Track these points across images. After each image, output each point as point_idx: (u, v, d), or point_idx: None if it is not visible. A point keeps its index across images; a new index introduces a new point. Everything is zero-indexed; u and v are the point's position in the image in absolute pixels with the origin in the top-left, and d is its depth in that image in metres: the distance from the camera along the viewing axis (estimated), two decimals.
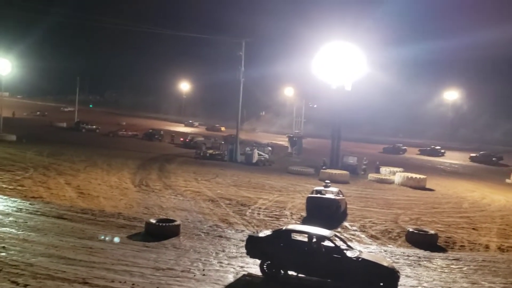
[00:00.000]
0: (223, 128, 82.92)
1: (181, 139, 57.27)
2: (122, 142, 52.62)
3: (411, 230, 18.15)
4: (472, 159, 58.53)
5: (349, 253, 12.47)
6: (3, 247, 13.33)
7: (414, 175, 33.95)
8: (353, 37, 39.75)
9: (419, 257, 15.77)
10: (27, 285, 10.82)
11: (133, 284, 11.43)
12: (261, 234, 13.69)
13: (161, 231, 15.93)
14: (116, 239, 15.09)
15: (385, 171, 38.24)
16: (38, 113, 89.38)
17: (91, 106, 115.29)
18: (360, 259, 12.25)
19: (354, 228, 19.58)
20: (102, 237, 15.17)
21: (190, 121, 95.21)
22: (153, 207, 20.88)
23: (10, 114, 71.15)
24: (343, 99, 39.82)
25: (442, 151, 64.15)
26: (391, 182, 34.25)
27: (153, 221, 16.47)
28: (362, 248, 14.90)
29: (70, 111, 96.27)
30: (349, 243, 14.02)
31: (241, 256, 14.22)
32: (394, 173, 36.14)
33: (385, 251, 16.44)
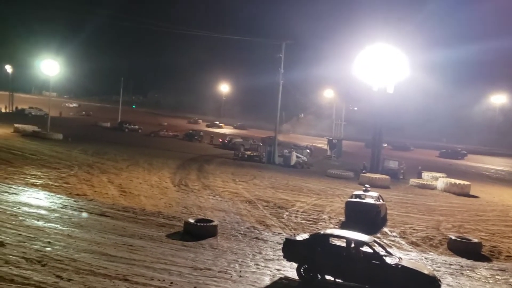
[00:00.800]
0: (222, 125, 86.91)
1: (220, 140, 57.87)
2: (163, 142, 53.64)
3: (453, 237, 17.57)
4: None
5: (388, 260, 12.21)
6: (49, 242, 13.86)
7: (457, 181, 32.86)
8: (396, 38, 38.96)
9: (462, 266, 15.25)
10: (71, 279, 11.18)
11: (171, 283, 11.61)
12: (299, 238, 13.62)
13: (199, 231, 16.14)
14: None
15: (427, 176, 37.22)
16: (83, 113, 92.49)
17: (134, 106, 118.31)
18: (399, 266, 11.97)
19: (394, 234, 19.16)
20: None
21: (196, 119, 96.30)
22: (192, 206, 21.16)
23: (57, 114, 73.92)
24: (384, 102, 39.08)
25: (464, 152, 61.82)
26: (433, 188, 33.28)
27: (191, 220, 16.70)
28: (402, 255, 14.55)
29: (74, 107, 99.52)
30: (388, 249, 13.73)
31: (278, 259, 14.19)
32: (436, 179, 35.11)
33: (425, 258, 15.99)
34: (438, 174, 37.02)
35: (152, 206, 20.49)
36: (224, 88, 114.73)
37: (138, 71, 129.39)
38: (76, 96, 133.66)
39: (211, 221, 17.13)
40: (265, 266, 13.66)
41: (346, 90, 60.10)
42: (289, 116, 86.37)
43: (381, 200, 21.67)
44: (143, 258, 13.26)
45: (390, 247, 16.47)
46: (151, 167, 31.70)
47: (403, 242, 18.01)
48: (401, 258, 12.82)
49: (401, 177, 37.47)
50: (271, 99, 47.59)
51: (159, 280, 11.73)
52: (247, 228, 18.12)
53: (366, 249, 12.52)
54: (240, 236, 16.81)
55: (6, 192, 19.97)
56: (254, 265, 13.71)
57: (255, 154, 44.66)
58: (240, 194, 25.08)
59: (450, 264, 15.39)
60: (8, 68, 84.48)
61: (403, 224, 20.92)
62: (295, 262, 13.02)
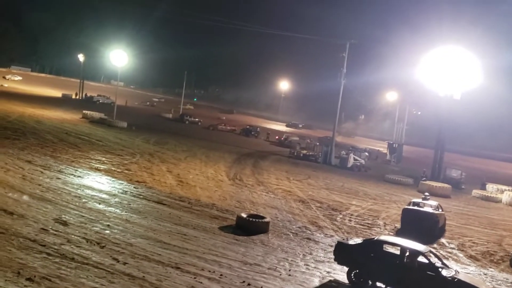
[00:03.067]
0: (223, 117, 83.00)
1: (276, 137, 57.94)
2: (221, 136, 54.50)
3: None
4: None
5: (444, 272, 11.71)
6: (108, 225, 14.51)
7: None
8: (466, 41, 37.13)
9: None
10: (126, 263, 11.64)
11: (221, 275, 11.79)
12: (351, 242, 13.38)
13: (251, 226, 16.26)
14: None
15: (491, 188, 35.33)
16: (148, 103, 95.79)
17: (195, 99, 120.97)
18: (456, 280, 11.45)
19: (452, 246, 18.34)
20: None
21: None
22: (245, 201, 21.36)
23: (123, 102, 77.02)
24: (450, 108, 37.47)
25: None
26: (497, 201, 31.54)
27: (244, 215, 16.86)
28: (459, 268, 13.91)
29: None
30: (445, 261, 13.17)
31: (328, 261, 14.02)
32: (502, 191, 33.24)
33: (485, 274, 15.18)
34: (504, 187, 35.03)
35: (207, 197, 20.89)
36: (284, 85, 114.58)
37: (201, 65, 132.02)
38: (142, 87, 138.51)
39: (264, 217, 17.21)
40: (315, 267, 13.55)
41: (410, 94, 58.27)
42: (348, 117, 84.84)
43: (440, 210, 20.81)
44: (195, 248, 13.55)
45: (447, 259, 15.79)
46: (208, 160, 32.31)
47: (461, 255, 17.21)
48: (458, 271, 12.27)
49: (463, 187, 35.84)
50: (331, 98, 46.99)
51: (209, 271, 11.94)
52: (299, 227, 18.04)
53: (421, 259, 12.09)
54: (291, 235, 16.77)
55: (72, 174, 21.10)
56: (304, 265, 13.63)
57: (311, 153, 44.36)
58: (294, 193, 25.00)
59: None
60: (80, 57, 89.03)
61: (462, 236, 20.00)
62: (346, 266, 12.81)
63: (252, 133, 61.05)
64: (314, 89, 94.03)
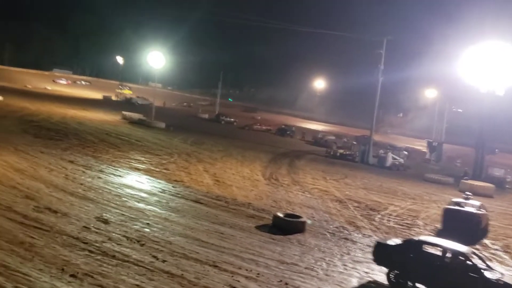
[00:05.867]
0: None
1: (312, 137, 57.58)
2: (256, 135, 54.63)
3: None
4: None
5: (488, 274, 11.33)
6: (148, 223, 14.82)
7: None
8: (510, 35, 35.72)
9: None
10: (165, 261, 11.86)
11: (258, 274, 11.83)
12: (390, 242, 13.13)
13: (288, 226, 16.23)
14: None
15: None
16: (185, 104, 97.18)
17: (230, 100, 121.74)
18: (501, 283, 11.05)
19: (496, 247, 17.70)
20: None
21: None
22: (281, 201, 21.33)
23: (161, 104, 78.43)
24: (493, 105, 36.17)
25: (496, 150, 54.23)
26: None
27: (280, 215, 16.85)
28: (504, 270, 13.41)
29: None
30: (488, 263, 12.73)
31: (366, 262, 13.81)
32: None
33: None
34: None
35: (243, 197, 20.99)
36: (319, 84, 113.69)
37: (237, 65, 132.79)
38: (179, 88, 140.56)
39: (300, 217, 17.15)
40: (353, 268, 13.38)
41: (450, 91, 56.62)
42: (386, 115, 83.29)
43: (482, 210, 20.13)
44: (232, 247, 13.65)
45: (490, 260, 15.24)
46: (243, 159, 32.46)
47: (506, 257, 16.58)
48: (503, 274, 11.82)
49: (508, 186, 34.54)
50: (368, 96, 46.32)
51: (246, 270, 12.00)
52: (336, 227, 17.86)
53: (463, 260, 11.74)
54: (328, 235, 16.62)
55: (113, 174, 21.66)
56: (342, 265, 13.49)
57: (348, 152, 43.83)
58: (330, 193, 24.77)
59: None
60: (119, 59, 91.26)
61: (506, 238, 19.27)
62: (386, 267, 12.58)
63: (288, 132, 60.85)
64: (350, 87, 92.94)
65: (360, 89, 74.45)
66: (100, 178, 20.36)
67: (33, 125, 33.89)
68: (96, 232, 13.24)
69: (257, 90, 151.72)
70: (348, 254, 14.66)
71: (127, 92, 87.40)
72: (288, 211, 18.45)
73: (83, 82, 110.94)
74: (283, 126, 64.26)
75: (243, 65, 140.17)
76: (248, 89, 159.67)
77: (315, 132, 64.07)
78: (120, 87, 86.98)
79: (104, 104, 67.80)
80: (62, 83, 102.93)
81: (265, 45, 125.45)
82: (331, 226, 17.89)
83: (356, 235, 17.12)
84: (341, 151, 44.46)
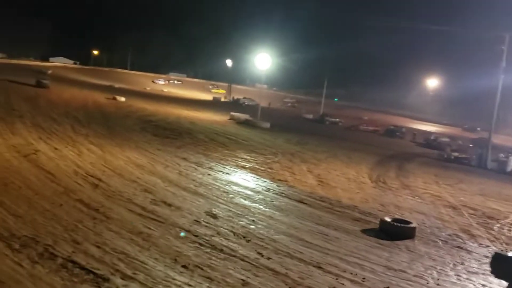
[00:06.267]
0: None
1: (424, 139, 54.66)
2: (363, 136, 53.28)
3: None
4: None
5: None
6: (253, 220, 15.19)
7: None
8: None
9: None
10: (270, 258, 12.05)
11: (363, 278, 11.52)
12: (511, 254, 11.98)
13: (396, 231, 15.54)
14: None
15: None
16: (289, 104, 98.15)
17: (336, 99, 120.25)
18: None
19: None
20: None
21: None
22: (389, 205, 20.54)
23: (267, 104, 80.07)
24: None
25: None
26: None
27: (388, 219, 16.23)
28: None
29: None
30: None
31: (483, 274, 12.75)
32: None
33: None
34: None
35: (348, 199, 20.60)
36: (432, 82, 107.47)
37: (343, 64, 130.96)
38: (283, 88, 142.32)
39: (409, 222, 16.36)
40: (467, 279, 12.44)
41: None
42: (508, 115, 76.22)
43: None
44: (337, 249, 13.45)
45: None
46: (349, 161, 31.85)
47: None
48: None
49: None
50: (486, 96, 42.89)
51: (351, 273, 11.75)
52: (449, 235, 16.73)
53: None
54: (440, 243, 15.64)
55: (221, 171, 22.58)
56: (455, 275, 12.61)
57: (463, 156, 41.04)
58: (443, 198, 23.29)
59: None
60: (229, 62, 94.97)
61: None
62: (506, 281, 11.49)
63: (397, 133, 58.55)
64: (466, 86, 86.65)
65: (478, 88, 69.15)
66: (209, 175, 21.32)
67: (152, 124, 36.57)
68: (206, 226, 13.87)
69: (364, 90, 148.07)
70: (462, 264, 13.65)
71: (221, 92, 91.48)
72: (397, 216, 17.71)
73: (175, 82, 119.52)
74: (391, 127, 62.00)
75: (350, 64, 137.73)
76: (354, 88, 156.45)
77: (427, 133, 60.76)
78: (210, 86, 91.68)
79: (214, 105, 71.02)
80: (160, 83, 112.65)
81: (372, 44, 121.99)
82: (443, 234, 16.81)
83: (471, 244, 15.89)
84: (456, 154, 41.78)
